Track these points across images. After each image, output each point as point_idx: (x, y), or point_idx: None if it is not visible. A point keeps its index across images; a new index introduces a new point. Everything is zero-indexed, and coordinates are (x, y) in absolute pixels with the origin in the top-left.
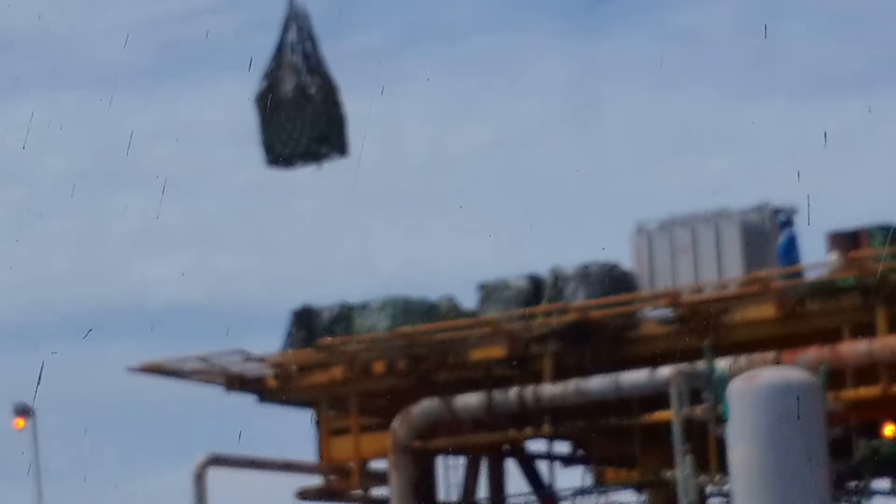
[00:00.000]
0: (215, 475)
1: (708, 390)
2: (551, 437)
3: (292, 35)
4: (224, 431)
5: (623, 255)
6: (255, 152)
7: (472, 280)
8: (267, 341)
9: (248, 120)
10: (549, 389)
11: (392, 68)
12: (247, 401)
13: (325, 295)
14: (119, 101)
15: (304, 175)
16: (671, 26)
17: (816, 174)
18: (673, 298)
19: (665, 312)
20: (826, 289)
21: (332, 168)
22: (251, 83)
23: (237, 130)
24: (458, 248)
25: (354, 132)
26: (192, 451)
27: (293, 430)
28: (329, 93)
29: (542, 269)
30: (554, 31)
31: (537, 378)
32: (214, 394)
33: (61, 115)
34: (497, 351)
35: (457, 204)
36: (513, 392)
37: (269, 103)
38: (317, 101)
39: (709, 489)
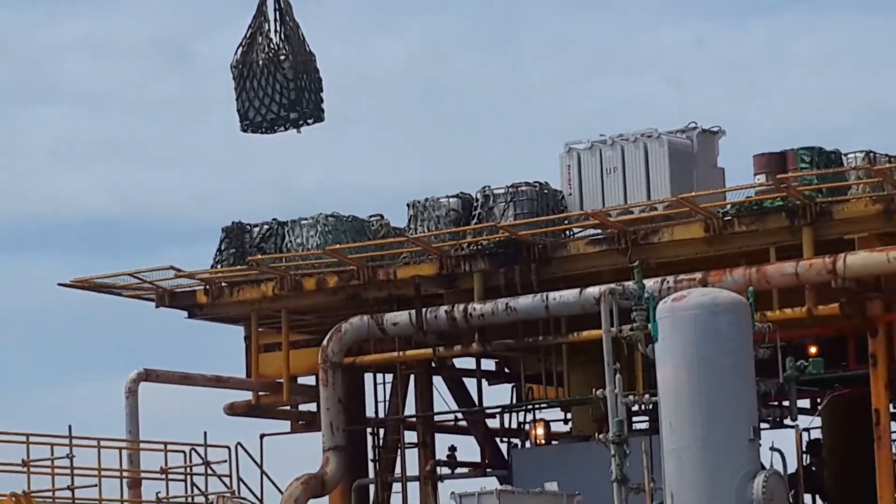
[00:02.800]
0: (147, 389)
1: (637, 310)
2: (479, 355)
3: (266, 4)
4: (155, 346)
5: (552, 175)
6: (173, 65)
7: (400, 199)
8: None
9: (166, 34)
10: (478, 307)
11: None
12: (177, 316)
13: (246, 210)
14: (34, 13)
15: (221, 89)
16: None
17: (734, 92)
18: (602, 218)
19: (594, 232)
20: (753, 210)
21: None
22: None
23: (154, 44)
24: (383, 165)
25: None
26: (123, 366)
27: (223, 346)
28: (303, 60)
29: (471, 187)
30: None
31: (466, 296)
32: (145, 308)
33: None
34: (427, 269)
35: (379, 122)
36: (442, 310)
37: (243, 71)
38: (288, 69)
39: (636, 408)
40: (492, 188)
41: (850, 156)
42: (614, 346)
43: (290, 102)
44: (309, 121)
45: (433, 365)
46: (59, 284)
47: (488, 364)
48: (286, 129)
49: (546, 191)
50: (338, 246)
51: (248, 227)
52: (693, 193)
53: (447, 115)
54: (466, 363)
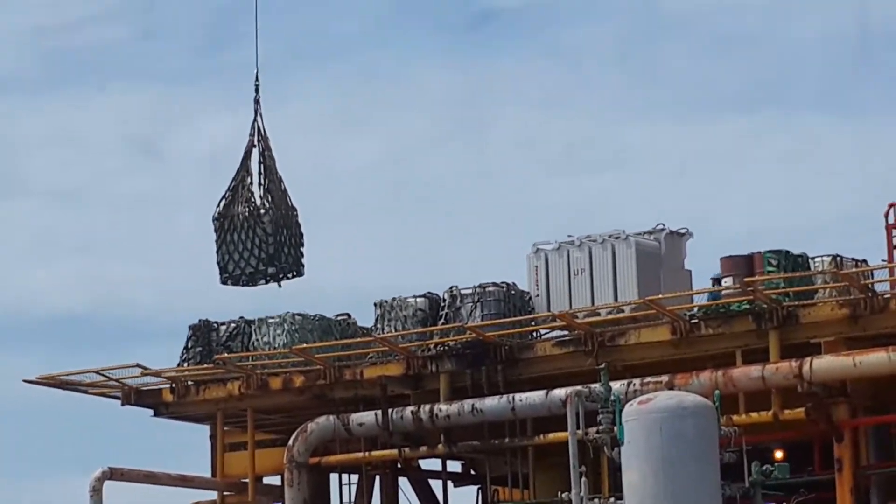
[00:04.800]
0: (112, 487)
1: (603, 412)
2: (445, 456)
3: (251, 158)
4: (120, 444)
5: (519, 276)
6: (143, 161)
7: (367, 298)
8: (155, 352)
9: (137, 130)
10: (445, 408)
11: (277, 81)
12: (143, 414)
13: (215, 308)
14: (5, 108)
15: (191, 186)
16: (554, 45)
17: (702, 192)
18: (568, 320)
19: (561, 334)
20: (720, 313)
21: (215, 179)
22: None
23: (126, 140)
24: (350, 265)
25: (240, 146)
26: (89, 462)
27: (189, 445)
28: (284, 214)
29: (438, 287)
30: (440, 46)
31: (433, 397)
32: (111, 406)
33: None
34: (393, 369)
35: (346, 221)
36: (408, 410)
37: (224, 223)
38: (268, 224)
39: None
40: (459, 288)
41: (816, 259)
42: (580, 448)
43: (268, 257)
44: (289, 275)
45: (399, 466)
46: (25, 381)
47: (454, 465)
48: (266, 283)
49: (513, 292)
50: (304, 345)
51: (214, 325)
52: (660, 296)
53: (414, 215)
54: (432, 464)
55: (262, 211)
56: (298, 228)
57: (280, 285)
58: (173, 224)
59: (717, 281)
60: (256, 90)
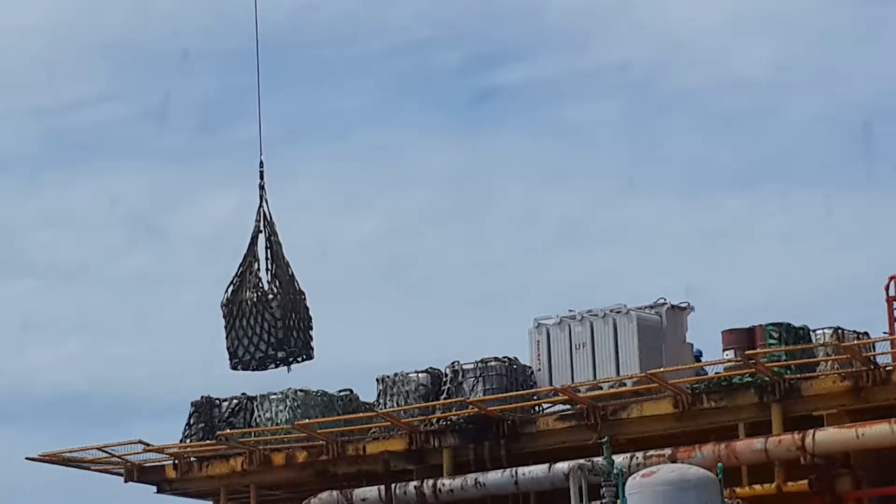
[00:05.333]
0: None
1: (606, 485)
2: None
3: (258, 244)
4: None
5: (521, 350)
6: (144, 239)
7: (369, 374)
8: (157, 430)
9: (137, 208)
10: (448, 483)
11: (277, 160)
12: (146, 491)
13: (215, 385)
14: (6, 187)
15: (189, 263)
16: (555, 121)
17: (702, 268)
18: (570, 394)
19: (563, 408)
20: (722, 386)
21: (216, 257)
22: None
23: (124, 218)
24: (351, 340)
25: (241, 224)
26: None
27: None
28: (291, 298)
29: (440, 363)
30: (439, 124)
31: (436, 472)
32: (114, 483)
33: None
34: (396, 444)
35: (346, 296)
36: (411, 485)
37: (233, 310)
38: (276, 308)
39: None
40: (461, 363)
41: (818, 332)
42: None
43: (277, 342)
44: (298, 359)
45: None
46: (27, 458)
47: None
48: (276, 367)
49: (515, 366)
50: (307, 421)
51: (217, 401)
52: (662, 369)
53: (415, 290)
54: None
55: (271, 296)
56: (307, 312)
57: (290, 369)
58: (174, 302)
59: (697, 358)
60: (261, 176)
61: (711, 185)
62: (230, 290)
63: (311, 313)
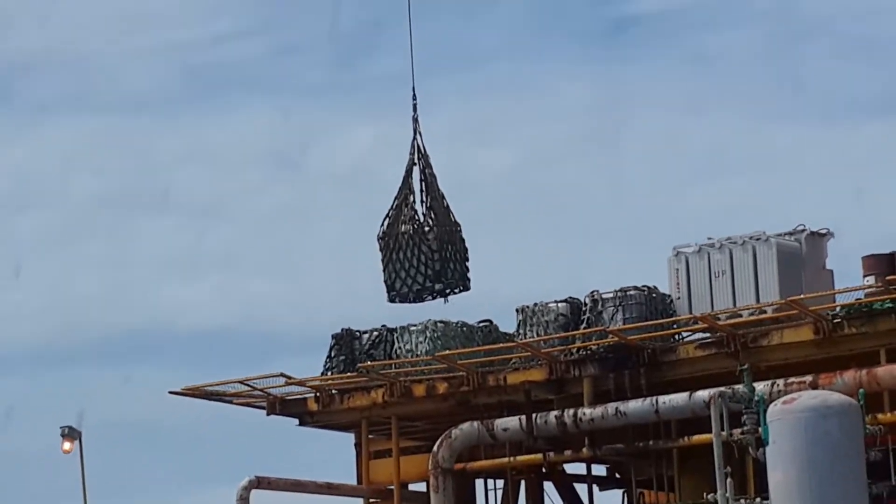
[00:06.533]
0: (259, 497)
1: (747, 413)
2: (590, 461)
3: (412, 176)
4: (265, 454)
5: (660, 279)
6: (283, 175)
7: (508, 304)
8: (298, 364)
9: (275, 143)
10: (588, 412)
11: (418, 90)
12: (288, 424)
13: (355, 317)
14: (146, 125)
15: (328, 198)
16: (695, 50)
17: (846, 196)
18: (710, 322)
19: (703, 336)
20: (863, 312)
21: (355, 192)
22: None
23: (264, 154)
24: (490, 272)
25: (379, 157)
26: (235, 473)
27: (334, 453)
28: (448, 230)
29: (579, 292)
30: (578, 56)
31: (576, 401)
32: (256, 416)
33: (88, 139)
34: (536, 374)
35: (484, 229)
36: (552, 415)
37: (389, 242)
38: (433, 241)
39: None
40: (600, 293)
41: None
42: (725, 449)
43: (435, 273)
44: (455, 290)
45: (544, 470)
46: (171, 392)
47: (599, 469)
48: (433, 299)
49: (654, 295)
50: (447, 352)
51: (357, 333)
52: (802, 296)
53: (553, 221)
54: (577, 468)
55: (427, 228)
56: (463, 243)
57: (447, 301)
58: (313, 237)
59: None
60: (414, 108)
61: (852, 112)
62: (386, 223)
63: (466, 245)
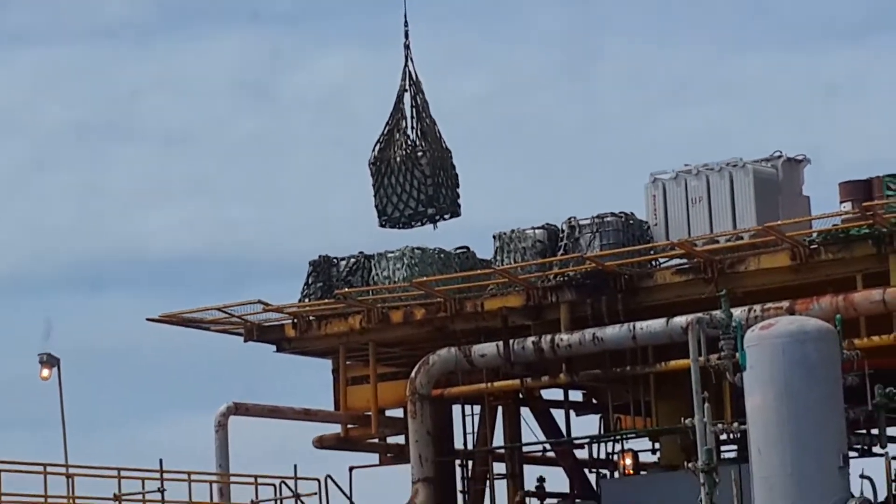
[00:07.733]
0: (236, 423)
1: (724, 338)
2: (567, 386)
3: (404, 102)
4: (243, 380)
5: (637, 206)
6: (255, 103)
7: (485, 231)
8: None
9: (247, 73)
10: (565, 338)
11: (386, 19)
12: (265, 350)
13: (332, 244)
14: (118, 54)
15: (300, 126)
16: None
17: (816, 122)
18: (687, 248)
19: (680, 262)
20: (839, 238)
21: (327, 121)
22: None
23: (236, 83)
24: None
25: (350, 85)
26: (213, 399)
27: (311, 380)
28: (439, 156)
29: (556, 219)
30: None
31: (553, 327)
32: (233, 343)
33: (61, 67)
34: (513, 300)
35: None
36: (529, 341)
37: (381, 167)
38: (426, 166)
39: (724, 437)
40: (577, 219)
41: None
42: (702, 375)
43: (427, 198)
44: (446, 216)
45: (521, 396)
46: (148, 319)
47: (576, 395)
48: (423, 224)
49: (632, 221)
50: (424, 278)
51: (334, 260)
52: (779, 222)
53: (529, 148)
54: (554, 394)
55: (420, 153)
56: (453, 169)
57: (436, 227)
58: (287, 164)
59: None
60: (406, 35)
61: (823, 38)
62: (377, 148)
63: (456, 171)
